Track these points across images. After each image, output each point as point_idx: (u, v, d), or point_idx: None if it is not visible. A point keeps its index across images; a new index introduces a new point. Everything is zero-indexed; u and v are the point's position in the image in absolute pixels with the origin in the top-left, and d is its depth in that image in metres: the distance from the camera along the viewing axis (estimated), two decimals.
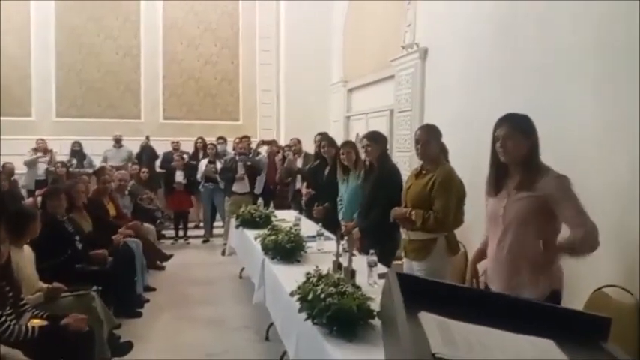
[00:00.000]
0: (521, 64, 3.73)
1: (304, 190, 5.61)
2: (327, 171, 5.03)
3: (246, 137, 7.27)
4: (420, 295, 1.10)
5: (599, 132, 2.97)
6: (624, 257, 2.73)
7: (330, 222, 4.44)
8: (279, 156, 7.52)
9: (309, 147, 6.64)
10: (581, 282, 2.61)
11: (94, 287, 3.59)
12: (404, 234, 3.24)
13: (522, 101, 3.58)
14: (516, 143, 2.22)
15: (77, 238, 4.13)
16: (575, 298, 2.50)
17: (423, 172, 3.17)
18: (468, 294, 1.19)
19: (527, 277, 2.23)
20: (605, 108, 2.93)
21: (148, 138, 8.93)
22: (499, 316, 1.04)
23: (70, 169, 7.79)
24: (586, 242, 2.09)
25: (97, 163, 8.25)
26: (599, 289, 2.57)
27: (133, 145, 8.76)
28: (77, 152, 8.40)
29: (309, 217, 5.17)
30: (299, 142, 7.03)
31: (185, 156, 8.15)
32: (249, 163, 6.80)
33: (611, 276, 2.68)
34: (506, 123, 2.27)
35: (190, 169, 7.80)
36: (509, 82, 3.88)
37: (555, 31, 3.39)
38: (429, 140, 3.10)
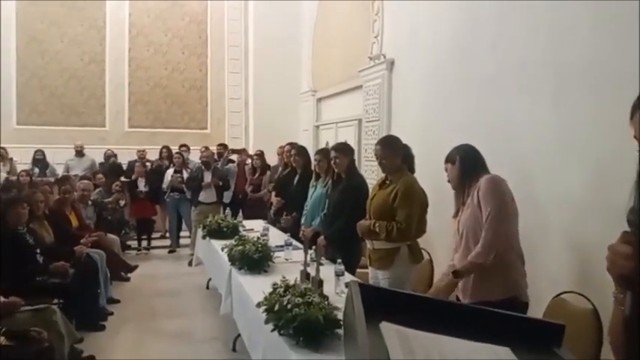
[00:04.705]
0: (479, 78, 3.83)
1: (274, 199, 5.60)
2: (296, 180, 5.03)
3: (222, 145, 7.37)
4: (382, 305, 1.12)
5: (553, 144, 3.07)
6: (580, 264, 2.83)
7: (298, 231, 4.45)
8: (249, 165, 7.49)
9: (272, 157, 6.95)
10: (543, 289, 2.71)
11: (55, 301, 3.48)
12: (368, 243, 3.28)
13: (480, 113, 3.71)
14: (450, 171, 2.66)
15: (38, 251, 4.00)
16: (537, 305, 2.58)
17: (387, 182, 3.22)
18: (429, 304, 1.21)
19: (480, 283, 2.46)
20: (558, 121, 3.04)
21: (115, 156, 8.64)
22: (458, 325, 1.07)
23: (33, 178, 7.54)
24: (479, 259, 2.39)
25: (60, 172, 8.02)
26: (558, 295, 2.65)
27: (96, 154, 8.56)
28: (40, 161, 8.16)
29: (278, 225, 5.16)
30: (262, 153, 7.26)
31: (148, 163, 7.98)
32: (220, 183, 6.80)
33: (569, 282, 2.78)
34: (446, 159, 2.70)
35: (154, 177, 7.66)
36: (468, 94, 3.99)
37: (510, 46, 3.49)
38: (386, 155, 3.19)
